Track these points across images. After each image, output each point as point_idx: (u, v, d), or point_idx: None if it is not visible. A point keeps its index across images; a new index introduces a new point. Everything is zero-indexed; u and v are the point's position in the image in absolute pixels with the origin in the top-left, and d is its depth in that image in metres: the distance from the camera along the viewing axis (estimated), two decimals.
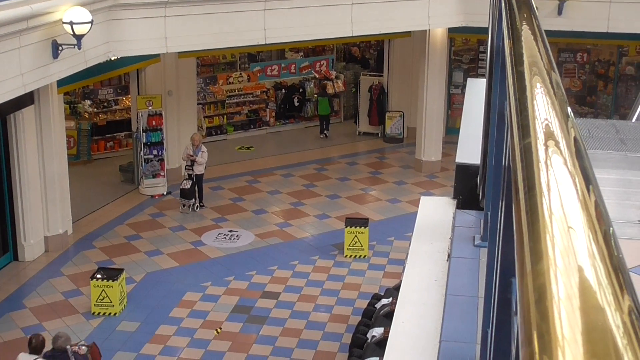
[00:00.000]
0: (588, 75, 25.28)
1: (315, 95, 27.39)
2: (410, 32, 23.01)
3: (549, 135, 1.55)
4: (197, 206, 19.92)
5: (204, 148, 19.94)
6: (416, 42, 23.39)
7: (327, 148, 25.35)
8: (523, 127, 1.64)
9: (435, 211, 6.04)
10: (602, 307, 1.10)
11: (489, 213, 4.65)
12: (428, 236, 5.72)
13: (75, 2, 13.65)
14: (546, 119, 1.64)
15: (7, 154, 16.62)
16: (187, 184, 19.65)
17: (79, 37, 13.39)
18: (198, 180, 19.88)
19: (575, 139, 1.55)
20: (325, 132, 26.35)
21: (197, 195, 19.90)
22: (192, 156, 19.58)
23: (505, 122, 2.86)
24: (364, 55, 28.88)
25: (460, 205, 5.91)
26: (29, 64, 12.95)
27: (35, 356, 11.33)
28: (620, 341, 1.05)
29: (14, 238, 17.05)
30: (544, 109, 1.70)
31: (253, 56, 26.99)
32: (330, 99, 26.71)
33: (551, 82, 1.90)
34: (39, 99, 16.72)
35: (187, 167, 19.89)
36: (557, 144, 1.50)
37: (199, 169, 19.82)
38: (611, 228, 1.31)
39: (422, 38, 22.12)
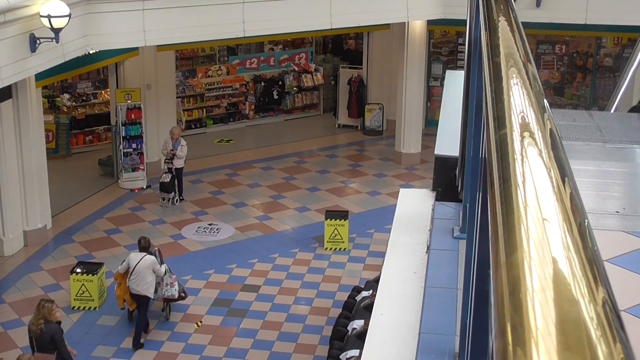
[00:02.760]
0: (566, 67, 25.38)
1: (295, 89, 27.42)
2: (389, 24, 23.01)
3: (525, 126, 1.56)
4: (177, 200, 19.88)
5: (183, 142, 19.87)
6: (395, 35, 23.40)
7: (307, 141, 25.34)
8: (499, 118, 1.65)
9: (415, 203, 6.06)
10: (576, 299, 1.11)
11: (468, 205, 4.67)
12: (407, 228, 5.73)
13: None
14: (522, 111, 1.64)
15: None
16: (167, 178, 19.58)
17: (56, 31, 13.33)
18: (178, 173, 19.82)
19: (551, 130, 1.56)
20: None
21: (177, 188, 19.85)
22: (173, 151, 19.52)
23: (482, 113, 2.88)
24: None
25: (440, 197, 5.93)
26: (6, 57, 12.88)
27: (144, 253, 14.05)
28: (594, 333, 1.06)
29: None
30: (519, 100, 1.71)
31: (232, 49, 26.93)
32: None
33: (527, 74, 1.91)
34: (17, 92, 16.61)
35: (166, 160, 19.83)
36: (532, 136, 1.50)
37: (178, 163, 19.76)
38: (586, 220, 1.31)
39: (401, 30, 22.13)
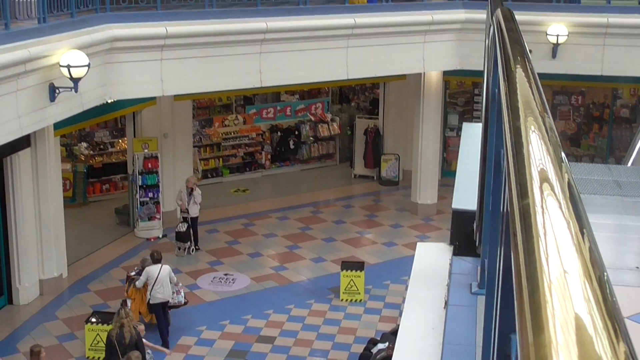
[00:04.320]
0: (583, 118, 25.36)
1: (312, 138, 27.55)
2: (405, 75, 23.12)
3: (544, 179, 1.55)
4: (193, 249, 19.87)
5: (197, 189, 19.95)
6: (411, 85, 23.49)
7: (323, 191, 25.34)
8: (519, 170, 1.63)
9: (432, 257, 6.02)
10: (599, 355, 1.08)
11: (486, 260, 4.63)
12: (425, 283, 5.68)
13: (73, 45, 13.70)
14: (541, 163, 1.63)
15: (3, 197, 16.58)
16: (183, 227, 19.61)
17: (76, 80, 13.41)
18: (193, 222, 19.85)
19: (569, 183, 1.54)
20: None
21: (192, 237, 19.86)
22: (183, 205, 19.61)
23: (502, 167, 2.86)
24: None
25: (457, 252, 5.88)
26: (26, 106, 12.97)
27: (159, 264, 15.44)
28: None
29: (9, 281, 16.97)
30: (538, 153, 1.70)
31: (249, 99, 27.09)
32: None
33: (545, 125, 1.90)
34: (35, 141, 16.73)
35: (182, 210, 19.88)
36: (551, 189, 1.49)
37: (194, 212, 19.79)
38: (605, 274, 1.30)
39: (417, 81, 22.22)
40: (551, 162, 1.63)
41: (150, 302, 15.45)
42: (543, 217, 1.33)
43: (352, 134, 27.09)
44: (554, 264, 1.21)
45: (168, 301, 15.58)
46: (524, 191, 1.47)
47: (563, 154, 1.74)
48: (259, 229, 21.83)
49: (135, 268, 16.59)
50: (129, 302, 15.66)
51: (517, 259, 1.30)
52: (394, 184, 25.70)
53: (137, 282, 15.58)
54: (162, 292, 15.41)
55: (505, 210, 2.63)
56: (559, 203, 1.39)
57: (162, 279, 15.37)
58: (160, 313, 15.49)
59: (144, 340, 13.47)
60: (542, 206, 1.37)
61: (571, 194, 1.44)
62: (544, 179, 1.51)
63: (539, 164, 1.62)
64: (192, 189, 19.82)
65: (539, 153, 1.69)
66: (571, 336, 1.08)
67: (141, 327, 13.65)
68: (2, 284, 16.94)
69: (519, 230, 1.37)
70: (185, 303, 16.19)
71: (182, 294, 16.10)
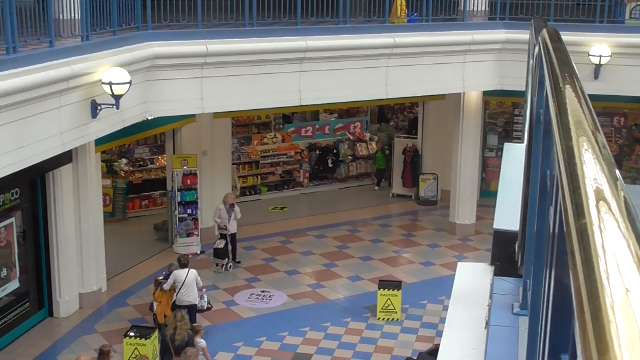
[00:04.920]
0: (625, 140, 25.14)
1: (350, 157, 27.61)
2: (444, 94, 23.09)
3: (599, 196, 1.54)
4: (230, 265, 19.93)
5: (236, 207, 20.08)
6: (450, 105, 23.44)
7: (360, 209, 25.32)
8: (574, 189, 1.63)
9: (473, 277, 5.99)
10: None
11: (529, 281, 4.61)
12: (465, 303, 5.66)
13: (115, 63, 13.85)
14: (595, 180, 1.63)
15: (45, 211, 16.77)
16: (221, 244, 19.70)
17: (117, 97, 13.55)
18: (232, 238, 19.97)
19: (625, 201, 1.54)
20: (383, 181, 27.39)
21: (231, 253, 19.97)
22: (222, 222, 19.74)
23: (554, 186, 2.85)
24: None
25: (498, 272, 5.85)
26: (69, 123, 13.12)
27: (187, 268, 15.98)
28: None
29: (49, 294, 17.14)
30: (593, 171, 1.70)
31: (287, 117, 27.18)
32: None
33: (597, 142, 1.90)
34: (77, 157, 16.92)
35: (220, 227, 19.99)
36: (608, 206, 1.49)
37: (233, 227, 19.91)
38: None
39: (457, 100, 22.17)
40: (606, 181, 1.63)
41: (177, 303, 15.88)
42: (602, 237, 1.33)
43: (391, 153, 27.05)
44: (615, 283, 1.21)
45: (195, 305, 16.08)
46: (580, 211, 1.47)
47: (618, 172, 1.74)
48: (296, 246, 21.86)
49: (163, 272, 16.90)
50: (155, 305, 16.48)
51: (577, 280, 1.30)
52: (432, 204, 25.61)
53: (164, 285, 16.14)
54: (188, 296, 15.96)
55: (553, 230, 2.62)
56: (617, 221, 1.39)
57: (188, 283, 15.94)
58: (193, 315, 15.85)
59: (200, 341, 14.19)
60: (599, 225, 1.37)
61: (628, 212, 1.44)
62: (600, 197, 1.51)
63: (594, 182, 1.62)
64: (231, 205, 19.94)
65: (593, 172, 1.69)
66: (637, 354, 1.08)
67: (200, 329, 14.55)
68: (43, 297, 17.12)
69: (577, 250, 1.37)
70: (209, 308, 16.79)
71: (206, 298, 16.71)
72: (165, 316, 16.20)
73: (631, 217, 1.45)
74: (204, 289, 16.85)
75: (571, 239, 1.43)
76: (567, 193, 1.64)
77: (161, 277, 16.66)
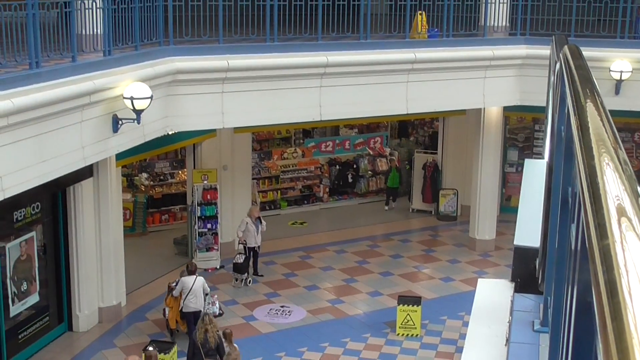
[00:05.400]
0: None
1: (370, 172, 27.58)
2: (464, 110, 23.06)
3: (621, 212, 1.54)
4: (250, 280, 19.95)
5: (263, 221, 20.27)
6: (471, 120, 23.41)
7: (380, 225, 25.29)
8: (597, 212, 1.63)
9: (493, 294, 5.97)
10: None
11: (549, 298, 4.59)
12: (486, 319, 5.63)
13: (136, 77, 13.92)
14: (617, 196, 1.63)
15: (66, 225, 16.85)
16: (240, 259, 19.73)
17: (138, 112, 13.61)
18: (256, 251, 20.09)
19: None
20: (392, 203, 26.81)
21: (253, 266, 20.04)
22: (244, 237, 19.85)
23: (575, 203, 2.84)
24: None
25: (519, 289, 5.83)
26: (90, 137, 13.18)
27: (195, 276, 16.40)
28: None
29: (69, 308, 17.20)
30: (613, 185, 1.70)
31: (308, 132, 27.21)
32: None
33: (618, 159, 1.90)
34: (97, 171, 16.99)
35: (240, 242, 20.04)
36: (630, 221, 1.49)
37: (258, 240, 20.04)
38: None
39: (477, 116, 22.14)
40: (628, 198, 1.63)
41: (183, 310, 16.45)
42: (624, 257, 1.33)
43: (411, 168, 27.02)
44: (639, 304, 1.20)
45: (200, 311, 16.25)
46: (603, 231, 1.46)
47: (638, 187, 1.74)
48: (316, 261, 21.84)
49: (177, 279, 17.08)
50: (167, 311, 16.92)
51: (600, 300, 1.30)
52: (452, 219, 25.55)
53: (173, 292, 16.65)
54: (194, 302, 16.38)
55: (574, 247, 2.61)
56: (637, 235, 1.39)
57: (195, 290, 16.37)
58: (191, 321, 16.24)
59: (235, 347, 14.65)
60: (622, 245, 1.36)
61: None
62: (622, 215, 1.51)
63: (616, 200, 1.62)
64: (257, 218, 20.05)
65: (615, 190, 1.69)
66: None
67: (231, 333, 14.82)
68: (63, 311, 17.18)
69: (599, 270, 1.36)
70: (221, 314, 17.26)
71: (217, 304, 17.26)
72: (176, 321, 16.74)
73: None
74: (215, 295, 17.52)
75: (594, 258, 1.43)
76: (589, 212, 1.64)
77: (173, 284, 16.90)
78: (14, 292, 15.54)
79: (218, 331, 14.58)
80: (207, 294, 16.78)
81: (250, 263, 20.14)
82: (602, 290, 1.30)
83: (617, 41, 19.19)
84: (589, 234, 1.55)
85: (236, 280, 19.90)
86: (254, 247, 20.11)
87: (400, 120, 28.39)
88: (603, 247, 1.41)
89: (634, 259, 1.32)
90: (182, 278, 16.58)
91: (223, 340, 14.48)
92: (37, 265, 16.17)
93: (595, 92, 2.77)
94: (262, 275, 20.38)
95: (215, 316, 16.58)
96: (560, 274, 3.76)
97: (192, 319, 16.32)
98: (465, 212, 24.55)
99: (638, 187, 1.74)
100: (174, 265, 21.08)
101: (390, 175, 27.08)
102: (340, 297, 19.46)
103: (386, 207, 26.91)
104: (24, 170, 11.56)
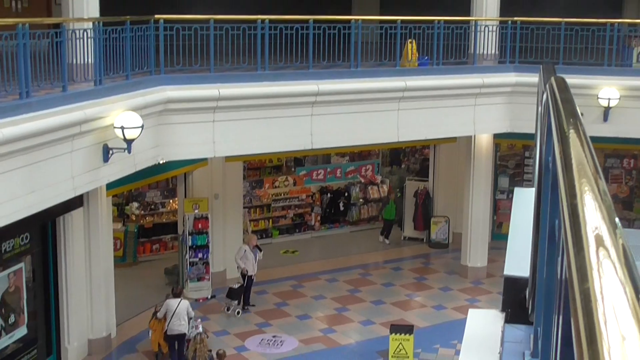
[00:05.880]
0: (635, 181, 25.09)
1: (361, 200, 27.57)
2: (455, 137, 23.11)
3: (599, 244, 1.55)
4: (239, 312, 19.83)
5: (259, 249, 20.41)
6: (461, 147, 23.47)
7: (372, 253, 25.25)
8: (576, 235, 1.64)
9: (484, 324, 5.94)
10: None
11: (539, 329, 4.57)
12: (477, 350, 5.61)
13: (127, 107, 13.92)
14: (596, 227, 1.63)
15: (55, 256, 16.75)
16: (236, 285, 19.76)
17: (129, 142, 13.60)
18: (250, 280, 20.02)
19: (623, 247, 1.55)
20: (385, 238, 26.28)
21: (244, 296, 19.96)
22: (247, 267, 19.85)
23: (556, 235, 2.84)
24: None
25: (509, 319, 5.81)
26: (80, 167, 13.16)
27: (179, 299, 16.75)
28: None
29: (58, 340, 17.05)
30: (592, 216, 1.71)
31: (299, 160, 27.21)
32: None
33: (598, 189, 1.91)
34: (88, 201, 16.93)
35: (243, 271, 20.08)
36: (608, 254, 1.49)
37: (255, 269, 20.11)
38: None
39: (468, 143, 22.19)
40: (607, 230, 1.63)
41: (167, 332, 16.80)
42: (603, 304, 1.32)
43: (402, 196, 27.02)
44: (612, 330, 1.20)
45: (184, 334, 16.71)
46: (583, 274, 1.46)
47: (617, 219, 1.75)
48: (307, 290, 21.78)
49: (162, 302, 17.43)
50: (149, 333, 17.46)
51: (577, 325, 1.30)
52: (443, 247, 25.53)
53: (158, 314, 16.98)
54: (178, 325, 16.69)
55: (561, 279, 2.60)
56: (615, 268, 1.39)
57: (179, 313, 16.65)
58: (174, 344, 16.81)
59: None
60: (601, 293, 1.36)
61: (625, 258, 1.44)
62: (599, 242, 1.51)
63: (594, 231, 1.63)
64: (255, 246, 20.09)
65: (593, 216, 1.69)
66: None
67: (224, 353, 15.69)
68: (52, 342, 17.02)
69: (580, 312, 1.36)
70: (206, 337, 17.13)
71: (201, 328, 17.14)
72: (159, 345, 17.11)
73: (628, 264, 1.46)
74: (199, 319, 17.53)
75: (575, 302, 1.42)
76: (571, 255, 1.64)
77: (159, 307, 17.11)
78: (1, 325, 15.36)
79: (210, 351, 15.21)
80: (191, 318, 16.99)
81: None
82: (582, 337, 1.30)
83: (605, 69, 19.31)
84: (571, 277, 1.55)
85: (227, 308, 19.80)
86: (251, 275, 20.07)
87: (391, 148, 28.41)
88: (583, 291, 1.40)
89: (613, 304, 1.31)
90: (167, 300, 16.92)
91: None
92: (25, 296, 16.04)
93: (579, 126, 2.77)
94: (253, 305, 20.29)
95: None
96: (549, 305, 3.75)
97: (174, 342, 16.76)
98: (457, 240, 24.53)
99: (617, 219, 1.74)
100: (164, 295, 20.94)
101: (387, 207, 26.59)
102: (332, 326, 19.39)
103: (387, 241, 26.29)
104: (13, 200, 11.52)
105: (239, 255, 20.06)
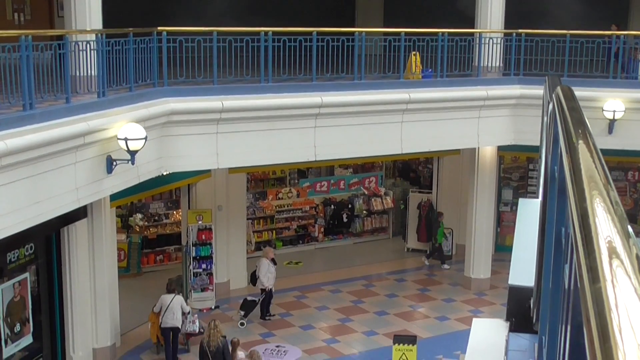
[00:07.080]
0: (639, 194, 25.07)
1: (365, 212, 27.57)
2: (459, 149, 23.12)
3: (612, 253, 1.55)
4: (243, 323, 19.81)
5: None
6: (465, 160, 23.46)
7: (375, 264, 25.24)
8: (587, 246, 1.64)
9: (488, 333, 5.95)
10: None
11: (544, 337, 4.57)
12: (481, 358, 5.61)
13: (131, 118, 13.95)
14: (608, 236, 1.63)
15: (60, 266, 16.77)
16: (254, 297, 19.85)
17: (133, 153, 13.61)
18: (270, 293, 20.20)
19: (637, 256, 1.55)
20: (427, 259, 25.44)
21: (266, 307, 20.25)
22: (269, 286, 20.15)
23: (569, 244, 2.84)
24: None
25: (514, 328, 5.81)
26: (84, 178, 13.17)
27: (173, 294, 17.66)
28: None
29: (63, 349, 17.06)
30: (605, 225, 1.70)
31: (303, 172, 27.22)
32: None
33: (610, 199, 1.91)
34: (91, 212, 16.95)
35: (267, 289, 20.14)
36: (621, 263, 1.49)
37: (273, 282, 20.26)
38: None
39: (472, 155, 22.19)
40: (620, 240, 1.63)
41: (162, 326, 17.61)
42: (616, 300, 1.33)
43: (406, 208, 27.02)
44: (629, 347, 1.20)
45: (178, 328, 17.60)
46: (595, 274, 1.46)
47: (630, 227, 1.75)
48: (311, 301, 21.77)
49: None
50: (149, 326, 18.13)
51: (592, 345, 1.30)
52: (447, 258, 25.49)
53: (154, 308, 17.89)
54: (171, 319, 17.49)
55: (568, 288, 2.61)
56: (630, 280, 1.39)
57: (173, 307, 17.49)
58: (168, 337, 17.58)
59: (240, 353, 16.24)
60: (613, 288, 1.36)
61: None
62: (613, 257, 1.51)
63: (607, 241, 1.62)
64: (272, 259, 20.12)
65: (607, 231, 1.69)
66: None
67: (237, 342, 16.35)
68: (57, 352, 17.03)
69: (592, 316, 1.36)
70: (201, 332, 17.69)
71: (197, 323, 18.17)
72: (157, 337, 17.97)
73: None
74: (196, 315, 18.48)
75: (586, 302, 1.43)
76: (582, 255, 1.64)
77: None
78: (7, 334, 15.41)
79: (224, 336, 15.83)
80: (187, 313, 17.92)
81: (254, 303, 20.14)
82: (594, 335, 1.30)
83: (610, 81, 19.32)
84: (581, 277, 1.55)
85: (241, 323, 19.79)
86: (271, 289, 20.13)
87: (395, 160, 28.41)
88: (595, 291, 1.40)
89: (625, 303, 1.32)
90: (162, 296, 17.76)
91: (229, 347, 15.84)
92: (30, 306, 16.07)
93: (588, 134, 2.78)
94: (274, 315, 20.36)
95: (194, 334, 18.16)
96: (554, 314, 3.75)
97: (169, 334, 17.55)
98: (460, 251, 24.51)
99: (629, 228, 1.74)
100: None
101: (439, 230, 25.00)
102: (335, 337, 19.37)
103: (426, 261, 25.33)
104: (18, 212, 11.54)
105: (261, 271, 20.06)
